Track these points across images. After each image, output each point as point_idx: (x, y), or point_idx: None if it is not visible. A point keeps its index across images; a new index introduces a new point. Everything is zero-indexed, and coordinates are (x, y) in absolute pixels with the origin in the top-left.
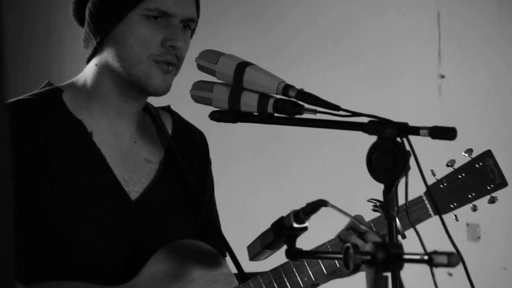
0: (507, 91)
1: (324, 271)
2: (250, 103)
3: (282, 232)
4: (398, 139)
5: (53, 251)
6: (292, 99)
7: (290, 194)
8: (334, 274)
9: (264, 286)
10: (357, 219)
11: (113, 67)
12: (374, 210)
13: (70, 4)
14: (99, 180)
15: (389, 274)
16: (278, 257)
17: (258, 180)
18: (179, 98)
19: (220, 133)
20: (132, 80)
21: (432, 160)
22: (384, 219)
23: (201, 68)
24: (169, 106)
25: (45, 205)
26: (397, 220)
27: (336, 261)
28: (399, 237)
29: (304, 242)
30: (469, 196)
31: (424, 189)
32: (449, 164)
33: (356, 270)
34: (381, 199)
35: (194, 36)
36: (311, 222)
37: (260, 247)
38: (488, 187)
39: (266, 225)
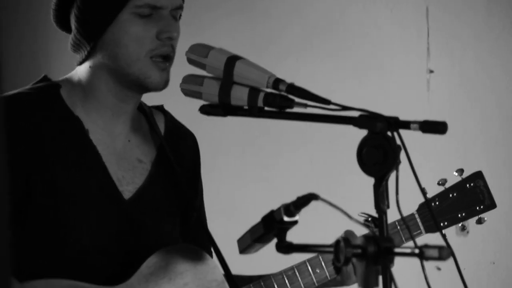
0: (496, 86)
1: (315, 283)
2: (240, 97)
3: (273, 225)
4: (389, 133)
5: (47, 249)
6: (282, 93)
7: (278, 188)
8: (325, 286)
9: None
10: (349, 233)
11: (109, 68)
12: (366, 225)
13: (51, 12)
14: (94, 178)
15: (379, 268)
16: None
17: (247, 174)
18: (169, 92)
19: (209, 127)
20: (130, 79)
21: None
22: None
23: (191, 61)
24: (162, 106)
25: (39, 202)
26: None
27: (327, 274)
28: None
29: (295, 237)
30: (459, 215)
31: (415, 205)
32: (440, 183)
33: (346, 263)
34: (371, 196)
35: (183, 30)
36: (302, 216)
37: (250, 240)
38: (478, 208)
39: (255, 219)
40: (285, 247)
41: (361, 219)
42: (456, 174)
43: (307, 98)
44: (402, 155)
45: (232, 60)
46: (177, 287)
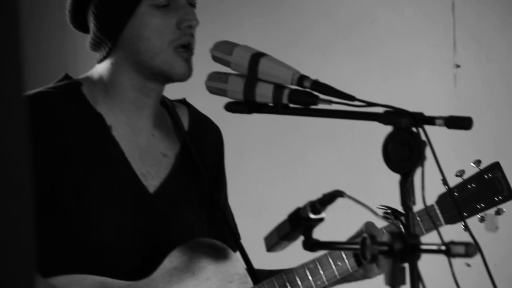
0: None
1: (337, 275)
2: (265, 94)
3: (299, 223)
4: (414, 129)
5: (71, 245)
6: (307, 89)
7: (306, 185)
8: (345, 280)
9: None
10: (370, 225)
11: (132, 62)
12: (385, 217)
13: (67, 13)
14: (118, 174)
15: (406, 265)
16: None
17: (274, 171)
18: (194, 89)
19: (236, 124)
20: (155, 71)
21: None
22: (393, 228)
23: (216, 59)
24: (184, 98)
25: (64, 198)
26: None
27: (349, 267)
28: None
29: (322, 234)
30: (478, 206)
31: (434, 196)
32: (459, 174)
33: (373, 260)
34: (397, 192)
35: (209, 29)
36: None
37: (277, 238)
38: (496, 199)
39: (283, 216)
40: (311, 245)
41: (380, 212)
42: (474, 165)
43: (331, 95)
44: (428, 151)
45: (257, 57)
46: (200, 281)
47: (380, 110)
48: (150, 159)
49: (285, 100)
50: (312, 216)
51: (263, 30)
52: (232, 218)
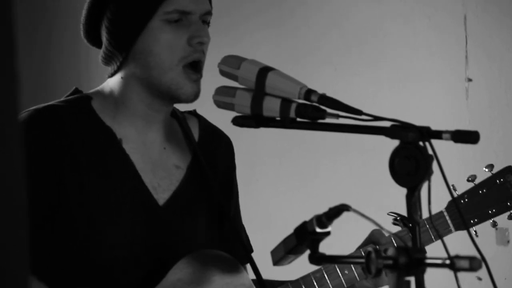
0: None
1: (344, 284)
2: (272, 108)
3: (305, 236)
4: (421, 143)
5: (80, 258)
6: (314, 103)
7: (317, 198)
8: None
9: None
10: (378, 232)
11: (141, 77)
12: (394, 224)
13: (81, 27)
14: (128, 187)
15: (412, 279)
16: (302, 263)
17: (285, 184)
18: (202, 103)
19: (247, 137)
20: (162, 89)
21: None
22: (405, 233)
23: (223, 73)
24: (195, 110)
25: (72, 211)
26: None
27: (356, 275)
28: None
29: (331, 247)
30: (489, 212)
31: (444, 203)
32: (470, 179)
33: (378, 274)
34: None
35: (220, 40)
36: (338, 227)
37: (284, 252)
38: (509, 203)
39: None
40: (317, 258)
41: (391, 219)
42: (486, 170)
43: (339, 109)
44: (435, 165)
45: (264, 71)
46: None
47: (387, 124)
48: (162, 172)
49: (292, 114)
50: (318, 230)
51: (274, 42)
52: (243, 230)
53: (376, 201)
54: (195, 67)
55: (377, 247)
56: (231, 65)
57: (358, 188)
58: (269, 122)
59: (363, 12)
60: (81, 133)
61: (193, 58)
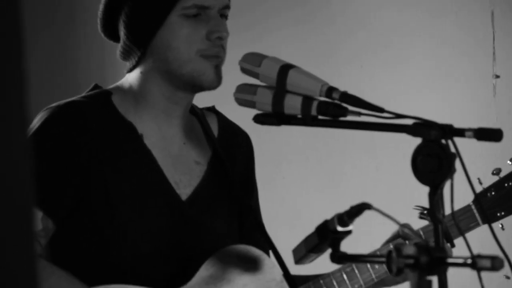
0: None
1: (374, 278)
2: (294, 105)
3: (327, 235)
4: (443, 141)
5: (105, 255)
6: (336, 101)
7: (343, 196)
8: (382, 282)
9: None
10: (407, 226)
11: (161, 71)
12: (421, 218)
13: (98, 21)
14: (151, 182)
15: (434, 278)
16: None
17: (311, 182)
18: (224, 101)
19: (273, 135)
20: (185, 80)
21: (477, 168)
22: (431, 228)
23: (244, 71)
24: (213, 106)
25: (96, 206)
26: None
27: (373, 278)
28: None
29: (357, 246)
30: None
31: (471, 196)
32: (495, 172)
33: (399, 273)
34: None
35: (245, 37)
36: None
37: (305, 250)
38: None
39: None
40: (338, 257)
41: (416, 212)
42: (511, 163)
43: (360, 106)
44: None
45: (285, 68)
46: None
47: (409, 121)
48: (182, 167)
49: (314, 112)
50: (339, 228)
51: (299, 39)
52: (262, 223)
53: (401, 199)
54: (215, 57)
55: (407, 242)
56: (252, 62)
57: (385, 185)
58: (291, 120)
59: (388, 10)
60: (103, 129)
61: (212, 53)
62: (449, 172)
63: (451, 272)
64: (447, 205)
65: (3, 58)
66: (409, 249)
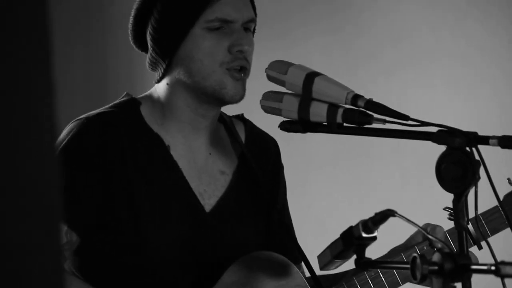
0: None
1: (400, 281)
2: (319, 113)
3: (351, 241)
4: (468, 148)
5: (127, 263)
6: (361, 109)
7: (369, 203)
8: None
9: None
10: (425, 229)
11: (185, 83)
12: (450, 219)
13: (129, 33)
14: (177, 193)
15: (458, 285)
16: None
17: (338, 189)
18: (251, 109)
19: (300, 142)
20: (207, 92)
21: (503, 173)
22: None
23: (270, 78)
24: (242, 114)
25: (121, 216)
26: (473, 230)
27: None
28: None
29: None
30: None
31: (500, 194)
32: None
33: (423, 280)
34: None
35: (274, 46)
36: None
37: (330, 256)
38: None
39: None
40: (363, 264)
41: (446, 214)
42: None
43: (385, 114)
44: (482, 171)
45: (311, 76)
46: None
47: (434, 129)
48: (207, 178)
49: (339, 119)
50: (364, 235)
51: (327, 50)
52: (292, 228)
53: (426, 206)
54: (238, 71)
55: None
56: (278, 70)
57: (412, 193)
58: (316, 127)
59: (415, 21)
60: (130, 139)
61: (235, 65)
62: (474, 179)
63: (475, 278)
64: (471, 210)
65: (32, 67)
66: (434, 256)
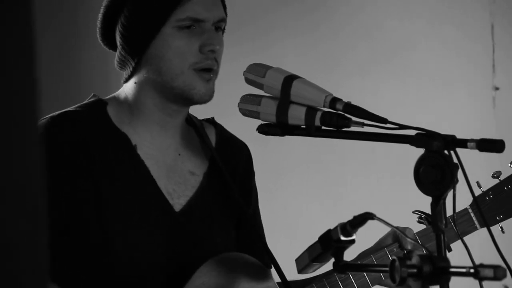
0: None
1: (369, 283)
2: (298, 116)
3: (330, 244)
4: (446, 151)
5: (96, 264)
6: (339, 112)
7: (345, 206)
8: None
9: None
10: (403, 232)
11: (154, 82)
12: (419, 222)
13: (98, 30)
14: (144, 192)
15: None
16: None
17: (313, 192)
18: (227, 112)
19: (274, 145)
20: (176, 92)
21: (477, 171)
22: (430, 232)
23: (248, 81)
24: (213, 118)
25: (88, 217)
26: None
27: (381, 274)
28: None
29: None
30: None
31: (469, 200)
32: (495, 175)
33: (402, 283)
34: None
35: (249, 47)
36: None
37: (308, 259)
38: None
39: None
40: (342, 267)
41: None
42: (511, 165)
43: (364, 117)
44: (459, 173)
45: (289, 79)
46: None
47: (412, 132)
48: (176, 178)
49: (317, 122)
50: (342, 238)
51: (302, 50)
52: (263, 233)
53: (403, 209)
54: (207, 70)
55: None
56: (256, 73)
57: (386, 196)
58: (294, 130)
59: (390, 22)
60: (96, 139)
61: (204, 65)
62: (452, 182)
63: (453, 280)
64: (449, 212)
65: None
66: (413, 259)
